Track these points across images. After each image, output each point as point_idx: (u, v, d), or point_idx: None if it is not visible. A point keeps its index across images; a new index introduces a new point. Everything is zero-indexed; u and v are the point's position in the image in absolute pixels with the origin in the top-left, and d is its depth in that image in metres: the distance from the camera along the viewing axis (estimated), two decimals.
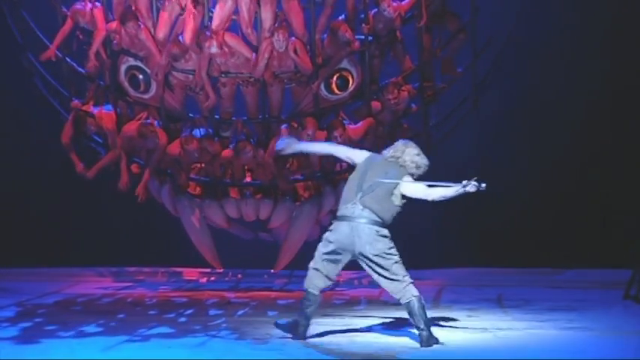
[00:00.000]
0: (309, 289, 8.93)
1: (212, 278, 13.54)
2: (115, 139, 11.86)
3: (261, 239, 12.91)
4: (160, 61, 11.60)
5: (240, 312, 10.83)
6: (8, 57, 12.66)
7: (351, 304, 11.41)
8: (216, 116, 12.09)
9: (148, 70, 11.81)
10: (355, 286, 12.87)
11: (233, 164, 12.06)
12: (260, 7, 11.40)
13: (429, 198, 8.67)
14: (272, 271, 13.08)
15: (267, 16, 11.43)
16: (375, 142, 11.50)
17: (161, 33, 11.58)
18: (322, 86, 11.69)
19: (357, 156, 8.96)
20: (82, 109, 11.93)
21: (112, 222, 13.64)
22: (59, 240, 13.64)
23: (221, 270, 13.09)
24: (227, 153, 11.95)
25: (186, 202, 12.31)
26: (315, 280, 8.90)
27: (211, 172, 12.19)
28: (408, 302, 8.70)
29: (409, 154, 8.81)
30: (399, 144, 8.86)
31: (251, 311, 10.92)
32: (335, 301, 11.63)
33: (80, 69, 12.13)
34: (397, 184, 8.64)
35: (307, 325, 9.00)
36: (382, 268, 8.71)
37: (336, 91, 11.78)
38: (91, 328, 9.58)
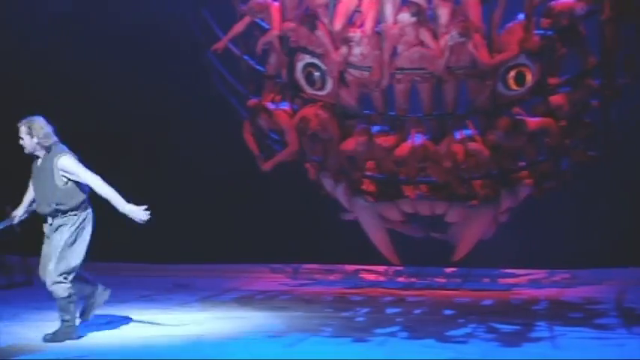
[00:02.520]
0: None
1: (387, 276, 13.47)
2: (292, 136, 11.90)
3: (434, 237, 12.76)
4: (336, 58, 11.58)
5: (416, 311, 10.74)
6: (188, 55, 12.87)
7: (529, 304, 11.20)
8: (391, 113, 12.00)
9: (324, 67, 11.81)
10: (535, 286, 12.65)
11: (407, 162, 11.95)
12: (437, 2, 11.24)
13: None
14: (446, 270, 12.99)
15: (444, 11, 11.26)
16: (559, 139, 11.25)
17: (338, 25, 11.54)
18: (499, 82, 11.45)
19: None
20: (256, 110, 12.03)
21: (287, 219, 13.72)
22: (236, 236, 13.79)
23: (399, 266, 13.00)
24: (401, 150, 11.84)
25: (362, 199, 12.27)
26: None
27: (385, 169, 12.12)
28: None
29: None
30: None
31: (427, 310, 10.82)
32: (512, 301, 11.44)
33: (258, 67, 12.23)
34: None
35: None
36: None
37: (514, 86, 11.53)
38: (269, 325, 9.63)
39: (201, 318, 10.11)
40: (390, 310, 10.74)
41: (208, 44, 12.20)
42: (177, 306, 10.90)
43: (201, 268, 13.62)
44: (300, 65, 11.91)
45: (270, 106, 12.09)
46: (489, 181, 11.98)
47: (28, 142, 9.10)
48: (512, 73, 11.44)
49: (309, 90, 11.98)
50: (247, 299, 11.55)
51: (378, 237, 12.33)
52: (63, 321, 9.02)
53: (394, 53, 11.48)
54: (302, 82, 11.98)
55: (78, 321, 9.28)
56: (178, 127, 13.93)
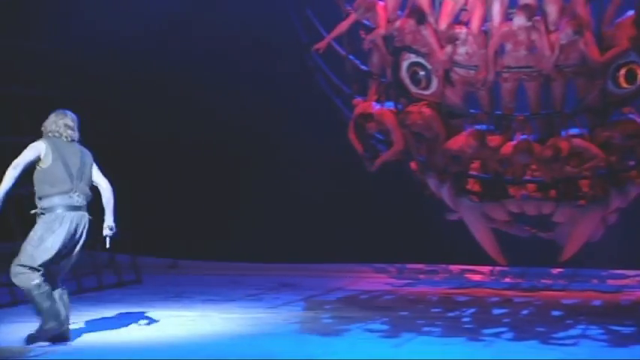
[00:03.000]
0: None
1: (493, 277, 13.36)
2: (397, 135, 11.86)
3: (541, 237, 12.61)
4: (441, 57, 11.51)
5: (523, 311, 10.62)
6: (292, 55, 12.92)
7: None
8: (498, 112, 11.88)
9: (429, 66, 11.75)
10: None
11: (512, 161, 11.82)
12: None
13: (108, 184, 9.00)
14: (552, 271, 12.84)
15: (553, 8, 11.11)
16: None
17: (444, 23, 11.48)
18: (609, 80, 11.26)
19: (34, 150, 8.72)
20: (361, 113, 12.01)
21: (392, 219, 13.70)
22: (341, 236, 13.80)
23: (505, 266, 12.88)
24: (506, 149, 11.72)
25: (467, 199, 12.18)
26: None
27: (491, 169, 12.01)
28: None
29: (68, 126, 8.83)
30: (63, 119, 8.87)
31: (534, 311, 10.69)
32: (622, 302, 11.25)
33: (363, 67, 12.22)
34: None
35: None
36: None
37: (624, 84, 11.33)
38: (374, 325, 9.63)
39: (306, 317, 10.14)
40: (496, 311, 10.64)
41: (312, 44, 12.23)
42: (283, 305, 10.95)
43: (307, 267, 13.69)
44: (405, 64, 11.87)
45: (375, 105, 12.07)
46: (598, 181, 11.79)
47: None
48: (623, 71, 11.26)
49: (414, 89, 11.93)
50: (352, 299, 11.56)
51: (483, 237, 12.22)
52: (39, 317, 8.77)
53: (501, 51, 11.38)
54: (407, 81, 11.93)
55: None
56: (283, 128, 14.00)
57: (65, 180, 8.71)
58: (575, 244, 11.98)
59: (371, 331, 9.33)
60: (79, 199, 8.76)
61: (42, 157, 8.69)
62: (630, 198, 11.75)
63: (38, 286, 8.57)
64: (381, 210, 13.82)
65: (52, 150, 8.71)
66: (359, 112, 12.04)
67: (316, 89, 12.58)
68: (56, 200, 8.69)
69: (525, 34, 11.16)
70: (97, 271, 12.27)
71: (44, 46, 12.67)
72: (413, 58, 11.81)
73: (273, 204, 14.24)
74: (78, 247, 8.83)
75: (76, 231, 8.75)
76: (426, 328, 9.45)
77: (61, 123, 8.84)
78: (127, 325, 9.64)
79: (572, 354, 8.24)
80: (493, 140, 11.69)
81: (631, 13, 11.16)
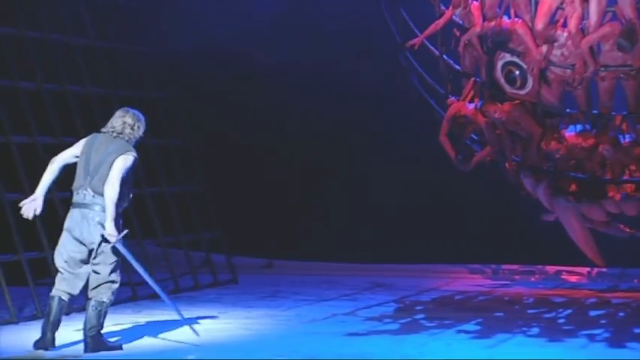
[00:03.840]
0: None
1: (590, 278, 13.21)
2: (491, 134, 11.79)
3: (639, 238, 12.44)
4: (536, 56, 11.42)
5: (620, 313, 10.50)
6: (387, 55, 12.92)
7: None
8: (595, 111, 11.75)
9: (525, 66, 11.66)
10: None
11: (611, 160, 11.68)
12: None
13: (109, 186, 8.07)
14: None
15: None
16: None
17: (540, 23, 11.37)
18: None
19: (75, 145, 8.31)
20: (454, 113, 11.95)
21: (487, 219, 13.62)
22: (432, 236, 13.78)
23: (603, 267, 12.73)
24: (603, 148, 11.57)
25: (564, 199, 12.06)
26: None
27: (588, 169, 11.88)
28: (102, 302, 8.18)
29: (127, 124, 8.30)
30: (117, 114, 8.40)
31: (632, 312, 10.56)
32: None
33: (457, 66, 12.18)
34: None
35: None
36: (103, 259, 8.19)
37: None
38: (469, 326, 9.59)
39: (401, 317, 10.14)
40: (593, 313, 10.52)
41: (406, 44, 12.22)
42: (378, 305, 10.98)
43: (402, 268, 13.70)
44: (500, 64, 11.80)
45: (469, 106, 12.02)
46: None
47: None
48: None
49: (509, 89, 11.86)
50: (446, 299, 11.53)
51: (580, 238, 12.10)
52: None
53: (598, 51, 11.24)
54: (502, 81, 11.86)
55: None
56: (374, 128, 14.03)
57: (79, 176, 8.26)
58: None
59: (465, 331, 9.30)
60: (86, 196, 8.18)
61: (79, 152, 8.36)
62: None
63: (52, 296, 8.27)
64: (476, 211, 13.75)
65: (85, 144, 8.32)
66: (452, 113, 12.00)
67: (412, 88, 12.58)
68: (73, 197, 8.34)
69: None
70: (193, 271, 12.42)
71: (142, 49, 12.90)
72: (508, 57, 11.74)
73: (367, 204, 14.26)
74: (97, 253, 8.20)
75: (80, 231, 8.17)
76: (521, 329, 9.38)
77: (116, 119, 8.39)
78: (220, 323, 9.74)
79: None
80: (586, 139, 11.57)
81: None
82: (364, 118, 14.05)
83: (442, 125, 12.07)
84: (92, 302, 8.22)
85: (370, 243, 13.97)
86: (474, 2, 11.66)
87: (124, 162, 8.19)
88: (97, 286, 8.23)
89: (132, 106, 8.79)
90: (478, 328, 9.53)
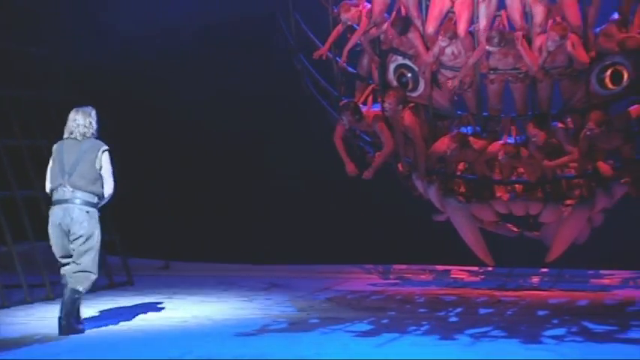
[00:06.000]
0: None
1: (480, 277, 13.46)
2: (386, 137, 11.91)
3: (527, 237, 12.71)
4: (427, 59, 11.60)
5: (509, 311, 10.72)
6: (280, 59, 12.99)
7: (624, 305, 11.11)
8: (485, 113, 11.98)
9: (416, 68, 11.83)
10: (630, 287, 12.54)
11: (500, 162, 11.91)
12: (530, 1, 11.16)
13: (107, 185, 9.11)
14: (539, 271, 12.99)
15: (538, 10, 11.18)
16: None
17: (431, 27, 11.55)
18: (595, 81, 11.36)
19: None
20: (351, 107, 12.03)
21: (380, 220, 13.79)
22: (326, 237, 13.90)
23: (492, 267, 12.99)
24: (493, 148, 11.81)
25: (454, 200, 12.28)
26: None
27: (478, 170, 12.10)
28: (79, 291, 9.08)
29: (79, 123, 9.15)
30: (70, 118, 9.25)
31: (521, 310, 10.79)
32: (607, 301, 11.35)
33: (350, 69, 12.30)
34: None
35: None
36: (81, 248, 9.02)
37: (610, 86, 11.42)
38: (363, 325, 9.71)
39: (297, 317, 10.21)
40: (483, 311, 10.73)
41: (300, 47, 12.30)
42: (274, 306, 11.04)
43: (297, 268, 13.81)
44: (392, 67, 11.96)
45: (362, 107, 12.13)
46: (584, 181, 11.90)
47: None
48: (609, 73, 11.34)
49: None
50: (340, 299, 11.64)
51: (470, 237, 12.32)
52: None
53: (487, 53, 11.47)
54: (394, 83, 12.02)
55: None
56: (273, 131, 14.09)
57: (55, 176, 9.11)
58: (561, 244, 12.09)
59: (360, 331, 9.40)
60: (66, 192, 9.02)
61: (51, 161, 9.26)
62: (616, 198, 11.85)
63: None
64: (369, 211, 13.90)
65: (55, 151, 9.19)
66: (346, 113, 12.07)
67: (306, 90, 12.66)
68: (53, 196, 9.13)
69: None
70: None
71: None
72: (400, 60, 11.91)
73: (262, 206, 14.34)
74: (79, 242, 9.05)
75: (65, 224, 9.03)
76: (413, 328, 9.52)
77: (70, 122, 9.24)
78: (114, 324, 9.74)
79: (558, 353, 8.33)
80: (478, 142, 11.79)
81: (616, 15, 11.26)
82: (260, 121, 14.10)
83: (336, 128, 12.16)
84: (69, 290, 9.03)
85: (266, 244, 14.03)
86: (367, 5, 11.76)
87: (107, 159, 9.16)
88: (75, 274, 9.05)
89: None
90: (372, 327, 9.63)
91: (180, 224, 14.35)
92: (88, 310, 10.39)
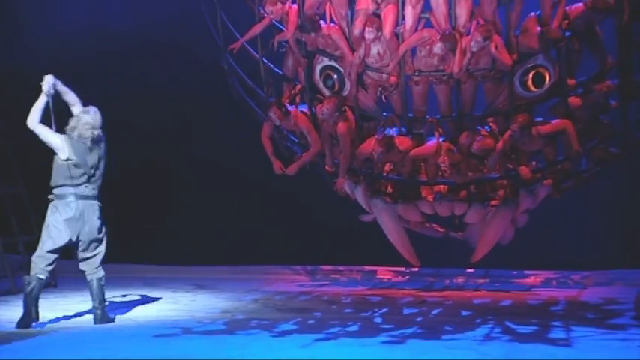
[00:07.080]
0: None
1: (406, 277, 13.54)
2: (313, 137, 11.92)
3: (452, 238, 12.81)
4: (353, 61, 11.63)
5: (434, 311, 10.79)
6: (207, 58, 12.95)
7: (547, 304, 11.24)
8: (410, 115, 12.04)
9: (342, 70, 11.86)
10: (553, 287, 12.70)
11: (427, 163, 11.99)
12: (455, 3, 11.23)
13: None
14: (464, 271, 13.10)
15: (462, 11, 11.26)
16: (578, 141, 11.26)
17: (357, 30, 11.58)
18: (517, 83, 11.47)
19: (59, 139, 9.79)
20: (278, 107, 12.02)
21: (307, 221, 13.80)
22: (253, 237, 13.89)
23: (418, 267, 13.07)
24: (417, 151, 11.87)
25: (381, 201, 12.32)
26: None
27: (404, 171, 12.15)
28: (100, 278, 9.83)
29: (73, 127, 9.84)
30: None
31: (446, 310, 10.86)
32: (530, 301, 11.48)
33: (277, 70, 12.29)
34: None
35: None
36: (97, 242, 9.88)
37: (532, 87, 11.55)
38: (289, 326, 9.71)
39: (222, 318, 10.20)
40: (408, 311, 10.79)
41: (227, 47, 12.27)
42: (199, 307, 11.01)
43: (223, 269, 13.79)
44: (318, 68, 11.98)
45: (289, 108, 12.13)
46: (508, 182, 12.01)
47: None
48: (531, 75, 11.46)
49: (327, 92, 12.04)
50: (267, 300, 11.63)
51: (397, 238, 12.38)
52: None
53: (412, 55, 11.54)
54: (320, 84, 12.04)
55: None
56: (198, 130, 14.04)
57: (77, 174, 9.89)
58: (485, 245, 12.19)
59: (285, 331, 9.41)
60: (89, 190, 9.89)
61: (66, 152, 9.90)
62: (539, 199, 11.98)
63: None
64: (296, 212, 13.92)
65: (72, 150, 9.90)
66: (273, 113, 12.06)
67: (233, 91, 12.62)
68: (72, 190, 9.85)
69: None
70: (11, 274, 12.24)
71: None
72: (326, 61, 11.93)
73: (189, 206, 14.28)
74: (97, 233, 9.96)
75: (83, 218, 9.86)
76: (339, 329, 9.54)
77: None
78: (36, 326, 9.64)
79: (481, 352, 8.40)
80: (404, 143, 11.84)
81: (533, 14, 11.37)
82: (187, 122, 14.05)
83: (264, 127, 12.15)
84: (95, 279, 9.81)
85: (192, 245, 13.98)
86: (293, 6, 11.76)
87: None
88: (98, 266, 9.88)
89: None
90: (297, 327, 9.65)
91: (107, 225, 14.20)
92: (11, 312, 10.27)
